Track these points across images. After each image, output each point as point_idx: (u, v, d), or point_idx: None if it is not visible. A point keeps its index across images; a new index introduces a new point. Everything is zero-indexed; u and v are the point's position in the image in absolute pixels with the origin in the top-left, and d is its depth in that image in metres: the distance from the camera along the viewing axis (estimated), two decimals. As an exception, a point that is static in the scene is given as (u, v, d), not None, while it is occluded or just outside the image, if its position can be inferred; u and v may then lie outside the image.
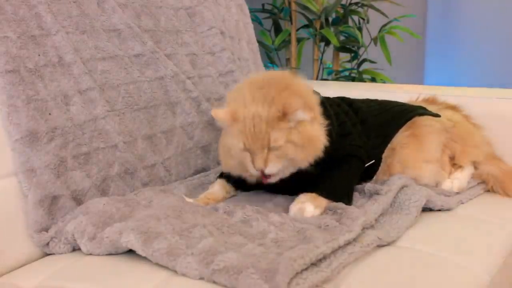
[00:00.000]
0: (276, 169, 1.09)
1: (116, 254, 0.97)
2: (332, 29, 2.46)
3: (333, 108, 1.24)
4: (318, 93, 1.23)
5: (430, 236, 1.08)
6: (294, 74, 1.19)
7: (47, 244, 1.03)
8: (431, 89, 1.69)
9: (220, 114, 1.11)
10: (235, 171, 1.17)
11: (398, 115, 1.29)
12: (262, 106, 1.08)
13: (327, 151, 1.12)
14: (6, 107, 1.03)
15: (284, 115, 1.07)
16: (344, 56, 2.64)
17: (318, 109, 1.14)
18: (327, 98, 1.30)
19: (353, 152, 1.19)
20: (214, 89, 1.49)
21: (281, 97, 1.08)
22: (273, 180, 1.11)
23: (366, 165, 1.22)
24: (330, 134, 1.13)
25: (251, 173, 1.10)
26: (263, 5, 2.50)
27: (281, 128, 1.07)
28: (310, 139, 1.09)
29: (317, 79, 2.54)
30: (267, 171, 1.08)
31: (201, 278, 0.86)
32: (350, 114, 1.27)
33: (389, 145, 1.27)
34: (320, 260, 0.87)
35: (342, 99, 1.34)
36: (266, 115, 1.07)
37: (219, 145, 1.19)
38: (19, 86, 1.05)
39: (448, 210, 1.22)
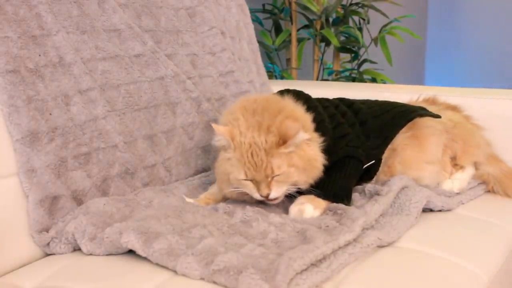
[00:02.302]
0: (281, 193, 1.10)
1: (117, 254, 0.97)
2: (332, 29, 2.46)
3: (329, 110, 1.24)
4: (309, 98, 1.23)
5: (430, 236, 1.08)
6: (284, 96, 1.19)
7: (48, 244, 1.03)
8: (432, 90, 1.69)
9: (221, 129, 1.11)
10: (233, 196, 1.16)
11: (398, 116, 1.29)
12: (258, 135, 1.08)
13: (323, 146, 1.14)
14: (7, 107, 1.04)
15: (283, 141, 1.07)
16: (345, 57, 2.64)
17: (312, 128, 1.15)
18: (325, 100, 1.30)
19: (350, 153, 1.19)
20: (214, 89, 1.49)
21: (276, 122, 1.09)
22: (276, 202, 1.11)
23: (366, 165, 1.22)
24: (326, 147, 1.14)
25: (256, 198, 1.11)
26: (263, 5, 2.50)
27: (280, 155, 1.07)
28: (310, 160, 1.10)
29: (317, 79, 2.54)
30: (272, 195, 1.09)
31: (202, 279, 0.86)
32: (348, 115, 1.27)
33: (389, 146, 1.27)
34: (320, 261, 0.88)
35: (342, 100, 1.34)
36: (263, 144, 1.07)
37: (216, 170, 1.17)
38: (19, 86, 1.05)
39: (448, 210, 1.22)
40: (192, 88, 1.41)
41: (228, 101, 1.50)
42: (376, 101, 1.37)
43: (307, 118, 1.16)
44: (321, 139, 1.14)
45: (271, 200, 1.10)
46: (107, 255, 0.97)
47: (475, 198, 1.33)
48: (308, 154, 1.10)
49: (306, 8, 2.37)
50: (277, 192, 1.09)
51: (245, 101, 1.18)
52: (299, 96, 1.22)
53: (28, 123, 1.04)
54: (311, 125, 1.15)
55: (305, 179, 1.11)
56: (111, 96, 1.21)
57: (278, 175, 1.08)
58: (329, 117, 1.22)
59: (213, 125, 1.12)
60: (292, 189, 1.12)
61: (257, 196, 1.09)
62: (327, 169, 1.14)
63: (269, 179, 1.08)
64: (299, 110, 1.17)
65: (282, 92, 1.24)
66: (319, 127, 1.16)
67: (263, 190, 1.08)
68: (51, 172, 1.05)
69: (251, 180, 1.09)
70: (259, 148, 1.07)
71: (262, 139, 1.08)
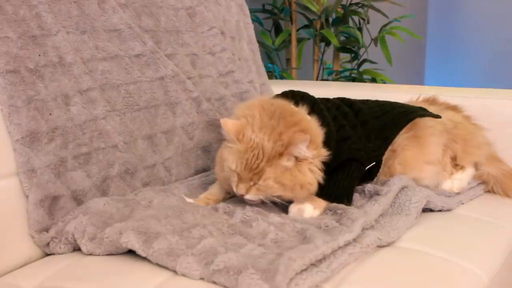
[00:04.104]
0: (256, 198, 1.10)
1: (117, 254, 0.97)
2: (332, 29, 2.46)
3: (331, 112, 1.24)
4: (315, 100, 1.23)
5: (430, 236, 1.08)
6: (299, 107, 1.18)
7: (48, 244, 1.03)
8: (432, 90, 1.69)
9: (228, 124, 1.11)
10: (225, 184, 1.18)
11: (399, 117, 1.29)
12: (268, 140, 1.07)
13: (327, 160, 1.13)
14: (7, 107, 1.04)
15: (285, 149, 1.06)
16: (345, 57, 2.64)
17: (321, 144, 1.13)
18: (326, 100, 1.30)
19: (353, 156, 1.18)
20: (214, 89, 1.49)
21: (289, 133, 1.08)
22: (252, 202, 1.11)
23: (367, 167, 1.22)
24: (328, 159, 1.13)
25: (235, 192, 1.12)
26: (263, 5, 2.50)
27: (277, 166, 1.07)
28: (302, 184, 1.09)
29: (317, 79, 2.54)
30: (247, 197, 1.10)
31: (201, 279, 0.86)
32: (350, 116, 1.26)
33: (390, 147, 1.27)
34: (320, 261, 0.87)
35: (342, 100, 1.33)
36: (269, 151, 1.07)
37: (217, 154, 1.20)
38: (19, 86, 1.05)
39: (448, 210, 1.22)
40: (192, 88, 1.41)
41: (228, 101, 1.50)
42: (376, 102, 1.37)
43: (319, 133, 1.14)
44: (327, 153, 1.12)
45: (248, 201, 1.11)
46: (107, 255, 0.97)
47: (475, 198, 1.33)
48: (304, 179, 1.08)
49: (306, 8, 2.38)
50: (252, 197, 1.09)
51: (263, 101, 1.17)
52: (303, 98, 1.21)
53: (28, 123, 1.04)
54: (321, 141, 1.13)
55: (291, 196, 1.11)
56: (111, 96, 1.21)
57: (261, 185, 1.08)
58: (332, 119, 1.22)
59: (221, 120, 1.12)
60: (277, 200, 1.11)
61: (234, 190, 1.11)
62: (329, 172, 1.13)
63: (252, 183, 1.08)
64: (313, 124, 1.15)
65: (287, 94, 1.23)
66: (325, 132, 1.15)
67: (240, 189, 1.09)
68: (51, 172, 1.05)
69: (237, 174, 1.09)
70: (263, 153, 1.07)
71: (270, 145, 1.07)
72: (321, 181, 1.11)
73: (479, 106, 1.51)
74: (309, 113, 1.18)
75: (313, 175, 1.10)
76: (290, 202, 1.13)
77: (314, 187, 1.11)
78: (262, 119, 1.10)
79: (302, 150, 1.06)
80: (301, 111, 1.17)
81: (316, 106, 1.20)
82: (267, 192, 1.09)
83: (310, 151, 1.08)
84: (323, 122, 1.16)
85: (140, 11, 1.37)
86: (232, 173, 1.11)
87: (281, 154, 1.07)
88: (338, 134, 1.19)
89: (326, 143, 1.14)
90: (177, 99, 1.36)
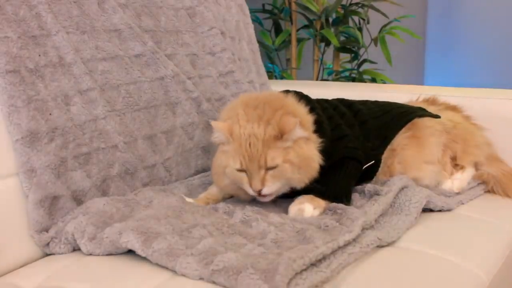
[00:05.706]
0: (274, 189, 1.09)
1: (116, 254, 0.97)
2: (332, 29, 2.46)
3: (327, 112, 1.24)
4: (309, 99, 1.23)
5: (430, 236, 1.08)
6: (287, 94, 1.19)
7: (48, 244, 1.03)
8: (431, 90, 1.69)
9: (219, 125, 1.11)
10: (229, 190, 1.17)
11: (398, 117, 1.29)
12: (258, 126, 1.08)
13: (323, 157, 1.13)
14: (7, 107, 1.04)
15: (281, 134, 1.07)
16: (345, 57, 2.64)
17: (311, 128, 1.14)
18: (324, 101, 1.30)
19: (349, 154, 1.19)
20: (214, 89, 1.49)
21: (276, 117, 1.09)
22: (268, 199, 1.11)
23: (365, 166, 1.22)
24: (324, 148, 1.14)
25: (248, 192, 1.10)
26: (263, 5, 2.50)
27: (277, 148, 1.08)
28: (306, 159, 1.10)
29: (317, 79, 2.54)
30: (265, 191, 1.08)
31: (201, 279, 0.86)
32: (347, 116, 1.27)
33: (389, 146, 1.27)
34: (319, 261, 0.87)
35: (341, 101, 1.33)
36: (262, 135, 1.07)
37: (212, 164, 1.18)
38: (19, 86, 1.05)
39: (448, 210, 1.22)
40: (192, 88, 1.41)
41: (228, 101, 1.50)
42: (375, 102, 1.37)
43: (308, 119, 1.16)
44: (320, 140, 1.14)
45: (263, 196, 1.10)
46: (106, 255, 0.97)
47: (475, 198, 1.33)
48: (305, 153, 1.10)
49: (306, 8, 2.38)
50: (270, 188, 1.08)
51: (246, 97, 1.19)
52: (298, 96, 1.22)
53: (28, 123, 1.04)
54: (311, 126, 1.15)
55: (300, 177, 1.11)
56: (111, 96, 1.21)
57: (272, 168, 1.07)
58: (327, 118, 1.22)
59: (212, 122, 1.13)
60: (286, 188, 1.12)
61: (250, 191, 1.09)
62: (326, 170, 1.14)
63: (263, 172, 1.08)
64: (301, 109, 1.17)
65: (282, 92, 1.24)
66: (318, 129, 1.16)
67: (256, 185, 1.08)
68: (51, 172, 1.05)
69: (245, 172, 1.09)
70: (257, 138, 1.07)
71: (261, 130, 1.08)
72: (321, 162, 1.12)
73: (479, 106, 1.51)
74: (299, 102, 1.18)
75: (313, 151, 1.11)
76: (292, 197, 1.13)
77: (316, 164, 1.11)
78: (247, 113, 1.11)
79: (298, 132, 1.08)
80: (287, 97, 1.18)
81: (310, 104, 1.21)
82: (280, 177, 1.08)
83: (303, 131, 1.10)
84: (312, 111, 1.17)
85: (140, 11, 1.37)
86: (240, 175, 1.10)
87: (276, 137, 1.08)
88: (334, 132, 1.19)
89: (318, 132, 1.15)
90: (177, 99, 1.36)
